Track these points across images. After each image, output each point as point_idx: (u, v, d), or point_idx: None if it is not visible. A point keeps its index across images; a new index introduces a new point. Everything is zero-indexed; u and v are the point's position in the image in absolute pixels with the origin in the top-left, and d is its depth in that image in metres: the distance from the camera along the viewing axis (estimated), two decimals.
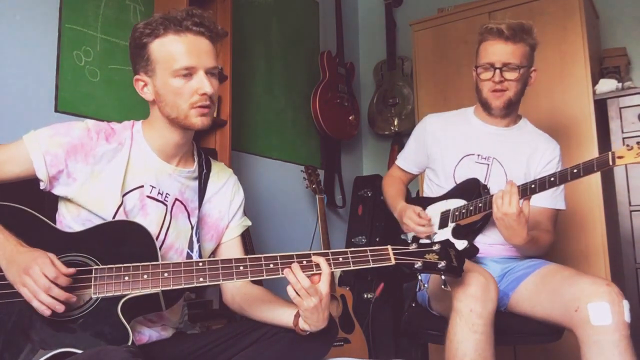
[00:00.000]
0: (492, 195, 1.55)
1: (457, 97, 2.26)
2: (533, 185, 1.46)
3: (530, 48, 1.66)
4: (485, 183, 1.68)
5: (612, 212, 2.30)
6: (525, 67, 1.64)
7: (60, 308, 1.00)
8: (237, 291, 1.32)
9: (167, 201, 1.25)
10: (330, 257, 1.15)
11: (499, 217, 1.46)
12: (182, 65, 1.15)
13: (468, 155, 1.73)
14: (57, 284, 1.00)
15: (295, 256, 1.13)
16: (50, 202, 1.22)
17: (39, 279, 0.99)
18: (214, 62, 1.19)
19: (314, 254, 1.14)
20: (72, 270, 1.03)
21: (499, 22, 1.64)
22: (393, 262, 1.18)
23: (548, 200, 1.66)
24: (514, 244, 1.53)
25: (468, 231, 1.65)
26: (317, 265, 1.13)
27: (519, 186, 1.47)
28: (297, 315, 1.17)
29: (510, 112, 1.72)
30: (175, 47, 1.15)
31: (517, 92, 1.67)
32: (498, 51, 1.63)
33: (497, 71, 1.63)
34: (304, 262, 1.13)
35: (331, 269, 1.13)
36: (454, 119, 1.84)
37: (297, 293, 1.11)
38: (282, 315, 1.21)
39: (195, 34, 1.17)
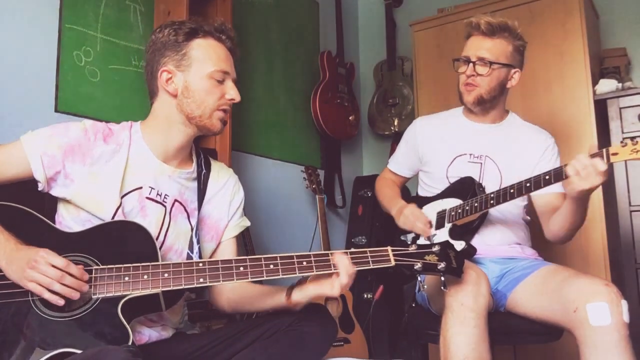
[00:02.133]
0: (487, 196, 1.55)
1: (457, 98, 2.25)
2: (528, 184, 1.46)
3: (513, 48, 1.65)
4: (480, 182, 1.68)
5: (612, 212, 2.30)
6: (500, 65, 1.63)
7: (76, 295, 1.01)
8: (225, 289, 1.32)
9: (165, 202, 1.26)
10: (330, 257, 1.15)
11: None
12: (221, 68, 1.23)
13: (460, 155, 1.73)
14: (68, 273, 1.01)
15: (295, 257, 1.14)
16: (50, 202, 1.22)
17: (47, 270, 1.00)
18: (235, 74, 1.30)
19: (331, 254, 1.16)
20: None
21: (480, 17, 1.65)
22: (393, 263, 1.18)
23: (559, 185, 1.66)
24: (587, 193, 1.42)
25: (465, 231, 1.65)
26: (334, 265, 1.14)
27: (514, 185, 1.48)
28: (289, 290, 1.19)
29: (487, 108, 1.71)
30: (216, 51, 1.24)
31: (489, 90, 1.65)
32: (475, 45, 1.65)
33: (471, 65, 1.64)
34: (321, 262, 1.14)
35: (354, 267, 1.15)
36: (443, 120, 1.84)
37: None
38: (280, 298, 1.22)
39: (227, 48, 1.28)
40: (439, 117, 1.88)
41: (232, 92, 1.25)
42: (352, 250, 1.18)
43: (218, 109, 1.24)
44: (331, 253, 1.16)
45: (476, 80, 1.64)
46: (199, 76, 1.21)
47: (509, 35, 1.64)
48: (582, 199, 1.42)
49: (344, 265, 1.13)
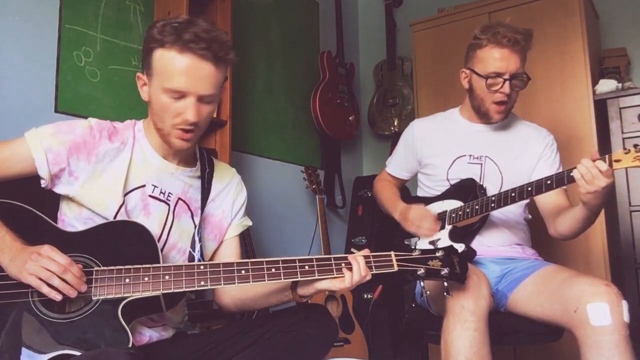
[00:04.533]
0: (488, 198, 1.55)
1: (457, 98, 2.26)
2: (530, 188, 1.46)
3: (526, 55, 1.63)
4: (481, 183, 1.68)
5: (612, 212, 2.30)
6: (528, 78, 1.61)
7: (74, 293, 1.01)
8: (236, 291, 1.31)
9: (169, 200, 1.25)
10: (333, 262, 1.15)
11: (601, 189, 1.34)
12: (174, 87, 1.11)
13: (460, 157, 1.72)
14: (70, 270, 1.01)
15: (297, 260, 1.13)
16: (50, 200, 1.21)
17: (49, 265, 1.00)
18: (211, 89, 1.14)
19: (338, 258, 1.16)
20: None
21: (505, 28, 1.56)
22: (396, 268, 1.18)
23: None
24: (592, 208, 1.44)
25: (465, 233, 1.65)
26: (339, 270, 1.14)
27: (515, 189, 1.49)
28: (294, 284, 1.19)
29: None
30: (174, 66, 1.11)
31: (515, 100, 1.65)
32: (506, 61, 1.56)
33: (507, 83, 1.58)
34: (339, 265, 1.14)
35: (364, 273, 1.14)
36: (441, 121, 1.83)
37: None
38: (285, 292, 1.23)
39: (198, 57, 1.10)
40: (436, 118, 1.87)
41: (188, 113, 1.12)
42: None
43: (174, 128, 1.16)
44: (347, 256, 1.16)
45: (510, 96, 1.61)
46: (157, 90, 1.14)
47: (530, 44, 1.60)
48: (596, 205, 1.41)
49: (358, 263, 1.14)
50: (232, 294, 1.31)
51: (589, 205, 1.41)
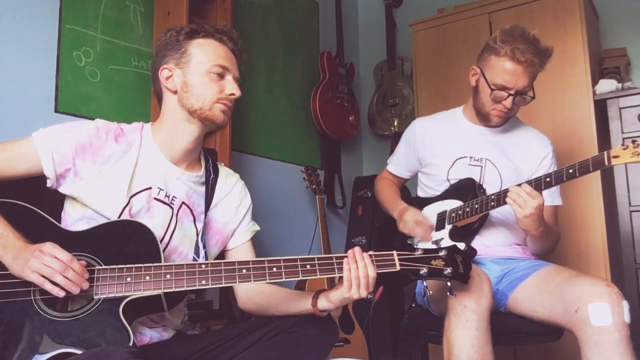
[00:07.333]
0: (488, 197, 1.55)
1: (457, 97, 2.26)
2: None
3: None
4: (481, 183, 1.68)
5: (612, 212, 2.30)
6: (533, 93, 1.62)
7: (76, 290, 1.02)
8: (252, 293, 1.31)
9: (173, 204, 1.26)
10: (334, 261, 1.15)
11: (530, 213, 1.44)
12: (219, 63, 1.24)
13: (461, 158, 1.72)
14: (71, 267, 1.02)
15: (298, 260, 1.13)
16: (51, 200, 1.22)
17: (51, 262, 1.01)
18: (239, 74, 1.30)
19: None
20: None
21: (527, 46, 1.52)
22: (398, 268, 1.17)
23: (547, 198, 1.66)
24: (533, 233, 1.54)
25: (465, 232, 1.65)
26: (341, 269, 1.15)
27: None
28: (316, 297, 1.20)
29: None
30: (215, 49, 1.25)
31: (516, 112, 1.67)
32: (516, 78, 1.55)
33: (511, 98, 1.58)
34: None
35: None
36: (443, 121, 1.83)
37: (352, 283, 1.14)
38: (306, 304, 1.23)
39: (229, 49, 1.28)
40: (438, 118, 1.87)
41: (231, 87, 1.25)
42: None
43: (217, 102, 1.24)
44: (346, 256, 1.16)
45: (511, 109, 1.62)
46: (197, 72, 1.23)
47: (543, 67, 1.59)
48: (535, 230, 1.50)
49: (357, 269, 1.14)
50: (254, 300, 1.31)
51: (530, 232, 1.52)
